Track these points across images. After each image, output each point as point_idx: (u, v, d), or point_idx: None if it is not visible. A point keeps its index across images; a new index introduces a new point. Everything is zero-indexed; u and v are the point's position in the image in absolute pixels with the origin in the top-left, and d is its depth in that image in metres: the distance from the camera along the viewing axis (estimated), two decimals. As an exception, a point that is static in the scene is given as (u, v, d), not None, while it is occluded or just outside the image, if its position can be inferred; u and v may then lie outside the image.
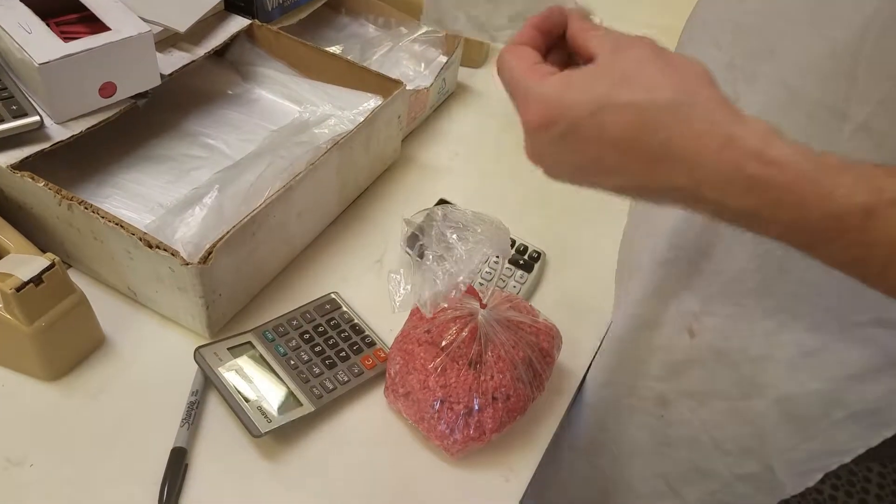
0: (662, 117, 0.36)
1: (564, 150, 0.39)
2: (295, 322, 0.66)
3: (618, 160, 0.38)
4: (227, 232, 0.60)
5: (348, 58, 0.84)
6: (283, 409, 0.59)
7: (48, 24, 0.67)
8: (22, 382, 0.60)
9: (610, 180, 0.39)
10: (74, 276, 0.62)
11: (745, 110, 0.41)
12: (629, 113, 0.37)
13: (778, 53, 0.47)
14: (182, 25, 0.74)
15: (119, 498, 0.54)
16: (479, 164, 0.90)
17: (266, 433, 0.57)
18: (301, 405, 0.60)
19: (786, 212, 0.35)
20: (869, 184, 0.34)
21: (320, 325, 0.67)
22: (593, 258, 0.78)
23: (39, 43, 0.64)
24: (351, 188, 0.79)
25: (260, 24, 0.84)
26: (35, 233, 0.64)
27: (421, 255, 0.58)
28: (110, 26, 0.67)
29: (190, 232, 0.63)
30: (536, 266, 0.76)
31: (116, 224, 0.59)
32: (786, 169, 0.35)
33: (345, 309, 0.69)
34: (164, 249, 0.58)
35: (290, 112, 0.84)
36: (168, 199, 0.70)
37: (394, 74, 0.81)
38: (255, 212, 0.62)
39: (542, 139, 0.39)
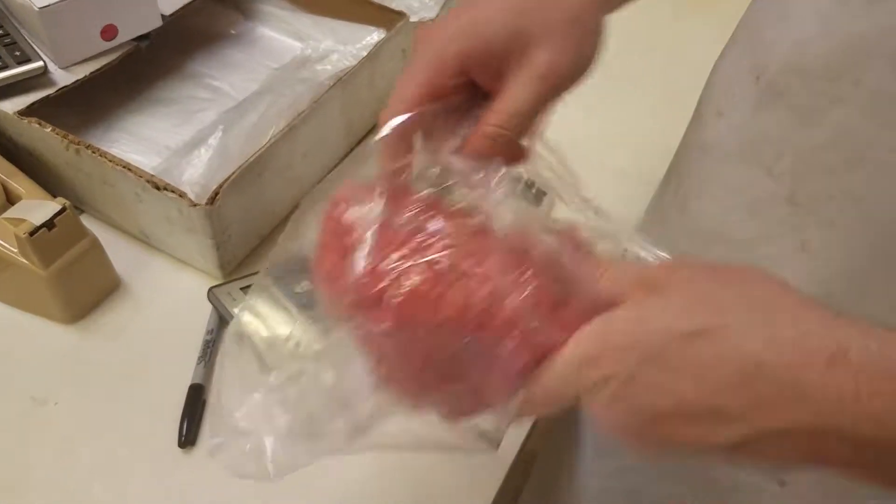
0: (744, 341, 0.28)
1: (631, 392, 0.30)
2: (307, 261, 0.67)
3: (696, 397, 0.28)
4: (233, 172, 0.60)
5: (350, -8, 0.82)
6: (296, 345, 0.60)
7: (44, -33, 0.66)
8: (42, 325, 0.62)
9: (689, 428, 0.29)
10: (87, 221, 0.63)
11: (824, 263, 0.36)
12: (704, 344, 0.28)
13: (867, 203, 0.38)
14: (180, -36, 0.73)
15: (141, 433, 0.56)
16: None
17: (280, 368, 0.58)
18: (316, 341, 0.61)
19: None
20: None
21: (331, 263, 0.68)
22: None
23: (37, -14, 0.64)
24: (357, 127, 0.79)
25: (260, -41, 0.83)
26: (46, 179, 0.65)
27: None
28: (108, -34, 0.66)
29: (196, 173, 0.64)
30: (545, 201, 0.76)
31: (124, 167, 0.59)
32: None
33: (355, 246, 0.70)
34: (172, 191, 0.59)
35: (292, 49, 0.83)
36: (175, 141, 0.70)
37: (397, 6, 0.80)
38: (259, 152, 0.62)
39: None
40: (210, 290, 0.62)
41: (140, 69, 0.76)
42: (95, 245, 0.60)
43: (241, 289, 0.63)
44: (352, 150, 0.79)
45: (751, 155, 0.43)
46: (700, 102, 0.51)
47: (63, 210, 0.56)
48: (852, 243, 0.39)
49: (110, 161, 0.60)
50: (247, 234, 0.67)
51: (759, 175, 0.42)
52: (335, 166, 0.77)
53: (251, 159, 0.62)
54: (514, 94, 0.35)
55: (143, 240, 0.67)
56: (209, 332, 0.61)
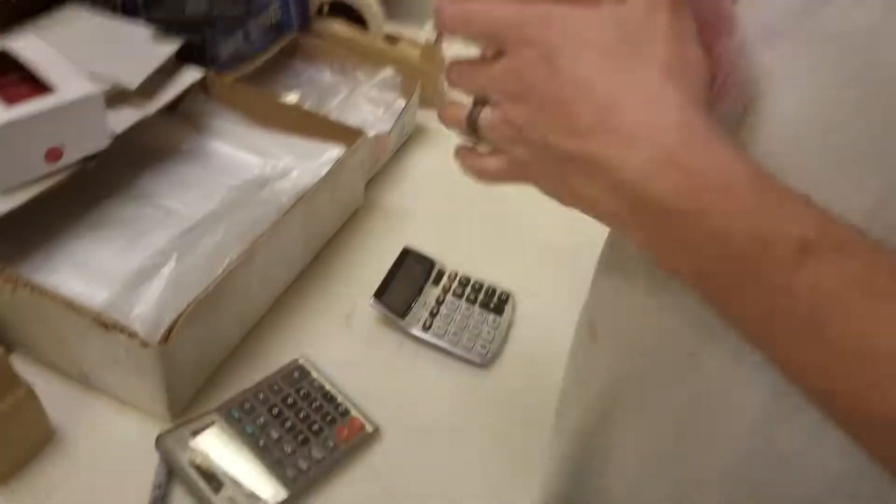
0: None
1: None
2: (262, 395, 0.62)
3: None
4: (188, 306, 0.56)
5: (306, 107, 0.81)
6: (254, 497, 0.55)
7: (-14, 86, 0.62)
8: (-37, 485, 0.54)
9: None
10: (17, 361, 0.57)
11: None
12: None
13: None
14: (133, 82, 0.70)
15: None
16: (442, 206, 0.88)
17: (238, 528, 0.53)
18: (275, 491, 0.56)
19: (711, 220, 0.29)
20: (817, 220, 0.28)
21: (289, 395, 0.63)
22: (563, 298, 0.75)
23: (-24, 108, 0.59)
24: (315, 241, 0.76)
25: (214, 74, 0.80)
26: (-27, 315, 0.59)
27: None
28: (56, 86, 0.63)
29: (148, 308, 0.59)
30: (507, 308, 0.75)
31: (67, 306, 0.54)
32: (721, 169, 0.29)
33: (314, 375, 0.65)
34: (121, 331, 0.54)
35: (249, 165, 0.80)
36: (122, 267, 0.65)
37: (353, 120, 0.79)
38: (216, 282, 0.58)
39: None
40: (158, 437, 0.56)
41: (84, 188, 0.71)
42: (30, 395, 0.53)
43: (193, 433, 0.58)
44: (308, 264, 0.76)
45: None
46: None
47: (-5, 357, 0.51)
48: None
49: (51, 299, 0.54)
50: (199, 369, 0.62)
51: None
52: (291, 284, 0.73)
53: (207, 291, 0.58)
54: None
55: (81, 381, 0.61)
56: (157, 486, 0.55)
